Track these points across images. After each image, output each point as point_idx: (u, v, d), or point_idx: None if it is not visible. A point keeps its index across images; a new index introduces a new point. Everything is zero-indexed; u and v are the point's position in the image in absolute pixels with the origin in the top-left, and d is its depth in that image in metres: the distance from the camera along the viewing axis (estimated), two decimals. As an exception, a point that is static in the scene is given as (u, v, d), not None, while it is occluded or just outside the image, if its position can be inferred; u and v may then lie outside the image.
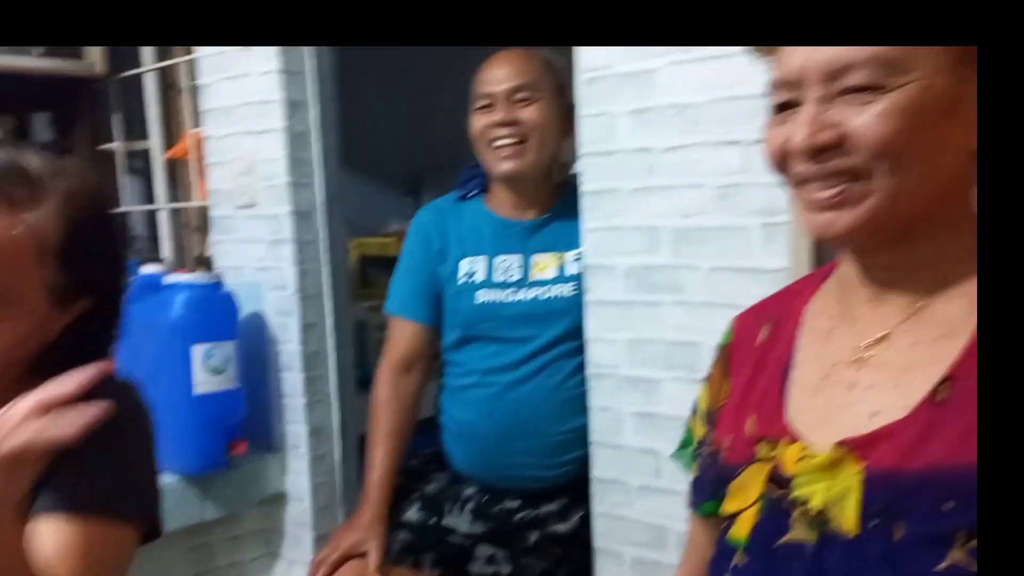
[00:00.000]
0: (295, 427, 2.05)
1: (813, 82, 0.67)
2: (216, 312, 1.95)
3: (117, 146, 2.61)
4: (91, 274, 0.91)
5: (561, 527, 1.60)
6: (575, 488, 1.57)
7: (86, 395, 0.79)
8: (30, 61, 2.51)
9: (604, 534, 1.51)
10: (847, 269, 0.76)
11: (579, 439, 1.54)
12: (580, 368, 1.54)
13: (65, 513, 0.85)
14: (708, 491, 0.81)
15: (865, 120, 0.65)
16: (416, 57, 3.20)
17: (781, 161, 0.71)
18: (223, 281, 2.00)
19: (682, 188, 1.37)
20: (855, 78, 0.65)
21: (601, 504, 1.51)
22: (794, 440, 0.73)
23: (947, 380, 0.66)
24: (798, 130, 0.67)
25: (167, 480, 1.90)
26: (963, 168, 0.68)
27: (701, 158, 1.35)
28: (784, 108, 0.70)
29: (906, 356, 0.69)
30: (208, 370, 1.91)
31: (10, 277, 0.84)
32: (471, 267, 1.62)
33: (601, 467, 1.51)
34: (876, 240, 0.69)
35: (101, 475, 0.89)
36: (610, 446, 1.49)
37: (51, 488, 0.86)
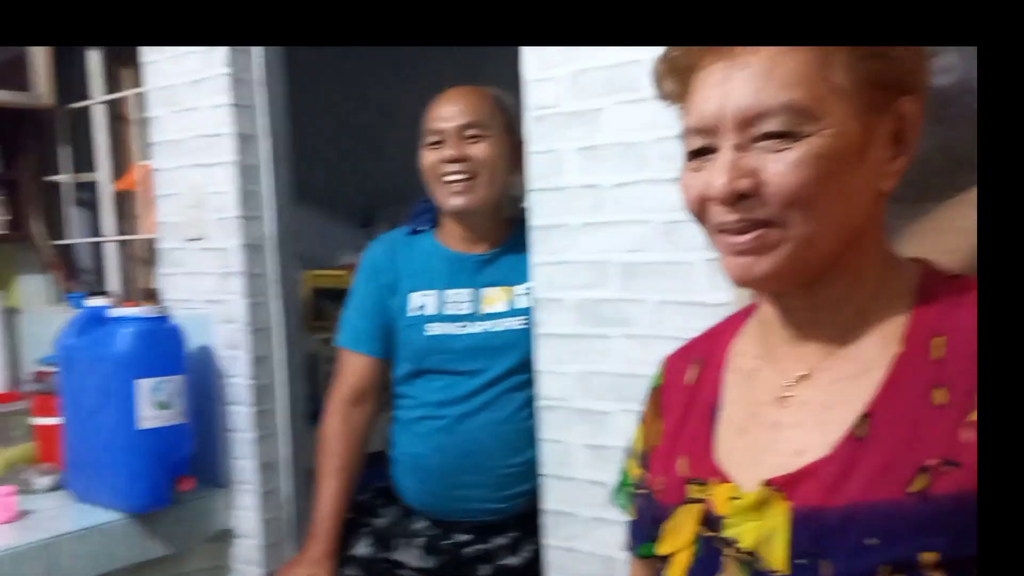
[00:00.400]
0: (243, 462, 2.02)
1: (728, 129, 0.68)
2: (162, 346, 1.93)
3: (64, 178, 2.58)
4: None
5: (512, 560, 1.60)
6: (526, 521, 1.58)
7: None
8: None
9: (555, 567, 1.52)
10: (767, 309, 0.78)
11: (529, 472, 1.55)
12: (530, 401, 1.55)
13: None
14: (644, 533, 0.82)
15: (779, 169, 0.66)
16: (369, 90, 3.22)
17: (700, 208, 0.72)
18: (170, 314, 1.98)
19: (628, 224, 1.40)
20: (769, 125, 0.66)
21: (552, 536, 1.52)
22: (723, 480, 0.74)
23: (866, 416, 0.67)
24: (716, 177, 0.68)
25: (112, 517, 1.86)
26: (873, 209, 0.71)
27: (646, 194, 1.38)
28: (698, 154, 0.71)
29: (826, 394, 0.71)
30: (154, 404, 1.88)
31: None
32: (422, 300, 1.63)
33: (552, 499, 1.51)
34: (793, 284, 0.71)
35: None
36: (561, 478, 1.50)
37: None
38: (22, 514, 1.83)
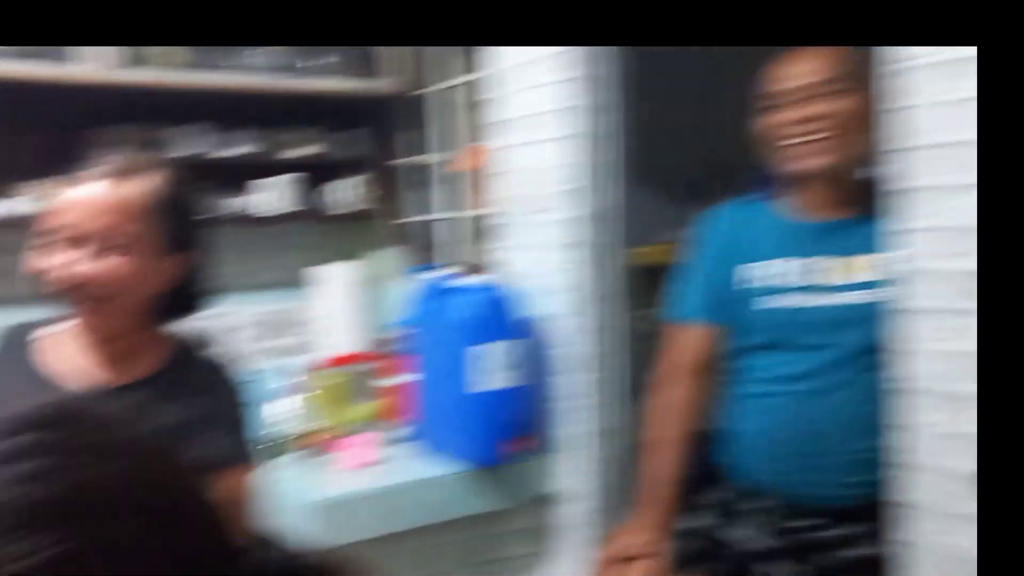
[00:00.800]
0: (572, 428, 2.08)
1: None
2: (499, 314, 2.04)
3: (410, 159, 2.81)
4: (185, 231, 1.22)
5: (855, 552, 1.49)
6: (873, 511, 1.46)
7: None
8: (331, 82, 2.78)
9: (907, 563, 1.39)
10: None
11: (880, 458, 1.43)
12: (881, 381, 1.43)
13: (234, 463, 1.19)
14: None
15: None
16: (700, 60, 3.14)
17: None
18: (506, 284, 2.08)
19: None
20: None
21: (904, 531, 1.39)
22: None
23: None
24: None
25: (449, 471, 2.00)
26: None
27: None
28: None
29: None
30: (491, 369, 1.99)
31: (129, 224, 1.14)
32: (763, 271, 1.56)
33: (907, 490, 1.38)
34: None
35: (239, 432, 1.24)
36: (920, 468, 1.37)
37: (213, 445, 1.15)
38: (375, 462, 2.03)
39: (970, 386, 1.29)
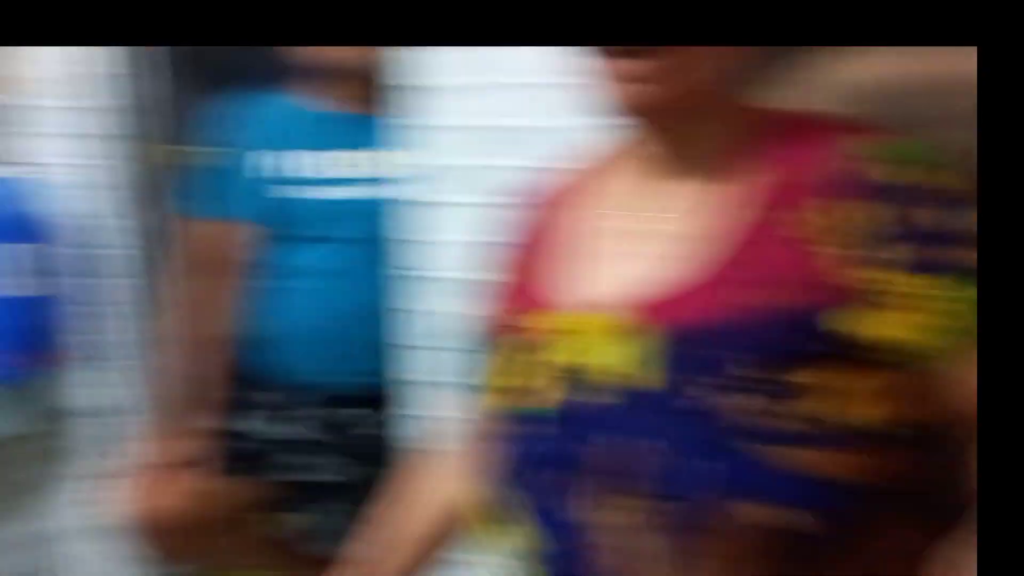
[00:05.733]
0: (104, 337, 1.92)
1: None
2: (13, 212, 1.79)
3: None
4: None
5: (379, 431, 1.56)
6: (385, 392, 1.53)
7: None
8: None
9: (414, 435, 1.44)
10: (636, 148, 0.78)
11: (391, 343, 1.49)
12: (393, 271, 1.48)
13: None
14: None
15: None
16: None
17: None
18: (26, 179, 1.83)
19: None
20: None
21: (413, 406, 1.46)
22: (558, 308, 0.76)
23: (724, 243, 0.69)
24: None
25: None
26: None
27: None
28: None
29: (690, 225, 0.73)
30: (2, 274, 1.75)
31: None
32: (288, 163, 1.56)
33: (414, 370, 1.45)
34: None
35: None
36: (425, 349, 1.43)
37: None
38: None
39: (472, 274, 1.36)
